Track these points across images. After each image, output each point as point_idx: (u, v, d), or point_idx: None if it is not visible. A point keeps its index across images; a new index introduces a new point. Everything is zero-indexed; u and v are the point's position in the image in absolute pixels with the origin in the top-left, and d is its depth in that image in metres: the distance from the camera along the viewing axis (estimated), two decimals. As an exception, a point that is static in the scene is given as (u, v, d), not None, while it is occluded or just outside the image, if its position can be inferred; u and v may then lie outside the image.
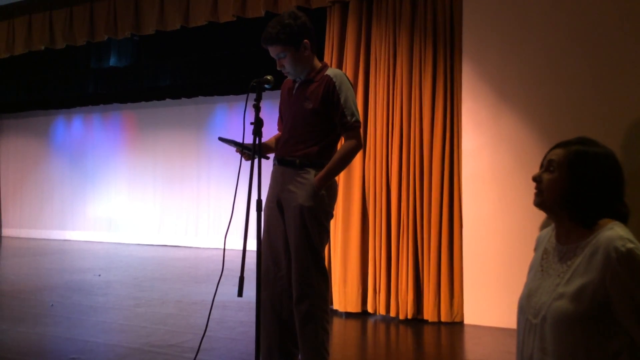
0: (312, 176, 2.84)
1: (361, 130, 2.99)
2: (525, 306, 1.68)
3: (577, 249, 1.59)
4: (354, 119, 2.88)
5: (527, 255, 2.11)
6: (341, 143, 3.01)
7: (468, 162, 4.41)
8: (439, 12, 4.55)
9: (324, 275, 2.91)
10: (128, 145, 11.01)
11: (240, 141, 2.79)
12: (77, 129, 11.66)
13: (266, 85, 2.75)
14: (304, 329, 2.84)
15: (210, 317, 2.90)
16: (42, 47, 6.83)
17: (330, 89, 2.86)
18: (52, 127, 11.84)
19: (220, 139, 2.84)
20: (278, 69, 2.92)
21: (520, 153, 4.26)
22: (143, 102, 10.11)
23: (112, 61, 7.33)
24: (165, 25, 5.95)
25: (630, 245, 1.49)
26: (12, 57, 7.22)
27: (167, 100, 9.83)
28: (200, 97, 9.59)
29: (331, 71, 2.94)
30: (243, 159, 2.83)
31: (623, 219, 1.59)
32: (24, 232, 11.82)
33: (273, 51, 2.87)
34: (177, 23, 5.84)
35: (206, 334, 2.97)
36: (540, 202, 1.68)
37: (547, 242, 1.73)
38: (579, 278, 1.55)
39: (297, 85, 2.98)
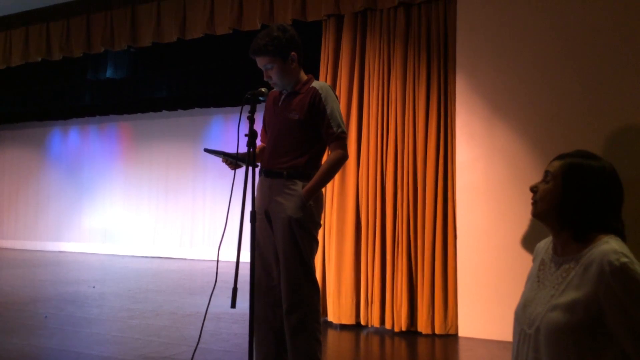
0: (299, 187, 2.87)
1: (350, 142, 3.02)
2: (521, 316, 1.68)
3: (573, 261, 1.60)
4: (340, 130, 2.92)
5: (521, 267, 2.12)
6: (327, 154, 3.04)
7: (462, 174, 4.43)
8: (433, 25, 4.60)
9: (315, 286, 2.92)
10: (124, 156, 11.02)
11: (229, 152, 2.84)
12: (73, 140, 11.67)
13: (260, 98, 2.79)
14: (295, 339, 2.84)
15: (204, 329, 2.90)
16: (39, 59, 6.86)
17: (317, 100, 2.90)
18: (48, 138, 11.85)
19: (206, 150, 2.87)
20: (265, 79, 2.96)
21: (514, 165, 4.28)
22: (139, 114, 10.15)
23: (109, 73, 7.36)
24: (161, 37, 5.99)
25: (624, 259, 1.50)
26: (8, 68, 7.24)
27: (163, 111, 9.87)
28: (196, 109, 9.63)
29: (317, 83, 2.98)
30: (229, 168, 2.90)
31: (618, 234, 1.59)
32: (19, 244, 11.78)
33: (260, 62, 2.91)
34: (173, 35, 5.88)
35: (200, 346, 2.96)
36: (536, 213, 1.69)
37: (545, 253, 1.73)
38: (573, 290, 1.55)
39: (283, 96, 3.01)
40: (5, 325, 4.64)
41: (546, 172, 1.69)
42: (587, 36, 4.11)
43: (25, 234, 11.79)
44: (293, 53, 2.91)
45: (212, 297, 2.76)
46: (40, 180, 11.78)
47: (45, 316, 4.92)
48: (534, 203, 1.70)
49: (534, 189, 1.71)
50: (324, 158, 3.08)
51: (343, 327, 4.64)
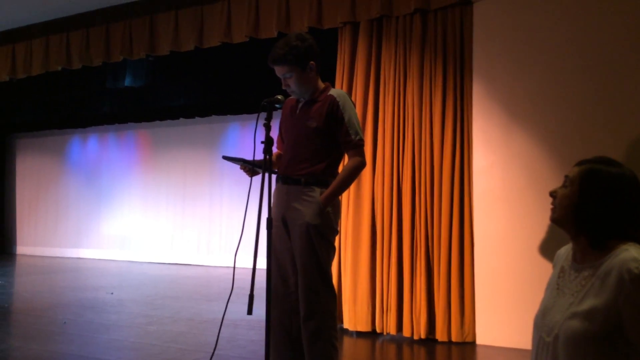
0: (317, 194, 2.88)
1: (366, 148, 3.02)
2: (540, 324, 1.67)
3: (592, 269, 1.59)
4: (357, 138, 2.93)
5: (540, 274, 2.10)
6: (344, 161, 3.04)
7: (479, 180, 4.41)
8: (449, 31, 4.59)
9: (332, 292, 2.92)
10: (142, 164, 11.11)
11: (247, 159, 2.86)
12: (92, 148, 11.79)
13: (277, 105, 2.81)
14: (312, 346, 2.84)
15: (221, 335, 2.91)
16: (59, 68, 6.95)
17: (335, 108, 2.92)
18: (68, 146, 11.98)
19: (225, 157, 2.90)
20: (283, 88, 2.99)
21: (531, 171, 4.25)
22: (157, 122, 10.24)
23: (127, 81, 7.44)
24: (179, 46, 6.05)
25: (644, 267, 1.48)
26: (29, 78, 7.35)
27: (181, 119, 9.95)
28: (214, 116, 9.70)
29: (334, 91, 3.00)
30: (247, 175, 2.91)
31: (638, 243, 1.57)
32: (38, 250, 11.91)
33: (279, 71, 2.94)
34: (191, 44, 5.93)
35: (216, 352, 2.97)
36: (554, 218, 1.68)
37: (565, 260, 1.72)
38: (592, 298, 1.54)
39: (300, 104, 3.03)
40: (25, 331, 4.69)
41: (565, 177, 1.68)
42: (605, 40, 4.07)
43: (45, 241, 11.92)
44: (312, 62, 2.93)
45: (229, 304, 2.77)
46: (59, 188, 11.91)
47: (64, 322, 4.97)
48: (553, 208, 1.69)
49: (553, 194, 1.70)
50: (341, 165, 3.08)
51: (359, 334, 4.63)
